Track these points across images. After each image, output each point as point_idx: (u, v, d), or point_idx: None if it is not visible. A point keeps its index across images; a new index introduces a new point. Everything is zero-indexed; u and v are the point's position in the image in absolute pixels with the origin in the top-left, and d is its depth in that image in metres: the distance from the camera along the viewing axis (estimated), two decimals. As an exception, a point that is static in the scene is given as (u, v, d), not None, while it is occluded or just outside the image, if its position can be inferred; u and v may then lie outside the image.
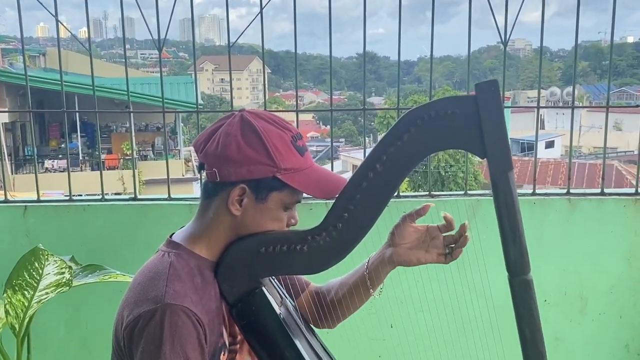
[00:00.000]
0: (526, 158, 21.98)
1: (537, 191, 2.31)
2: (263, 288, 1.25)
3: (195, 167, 16.73)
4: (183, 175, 17.59)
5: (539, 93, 2.36)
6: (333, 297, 1.43)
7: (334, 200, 1.23)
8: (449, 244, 1.34)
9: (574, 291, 2.34)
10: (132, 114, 2.38)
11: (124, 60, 2.41)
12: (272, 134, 1.20)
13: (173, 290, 1.14)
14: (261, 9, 2.12)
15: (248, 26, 2.14)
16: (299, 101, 2.28)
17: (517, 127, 26.36)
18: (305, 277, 1.50)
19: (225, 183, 1.20)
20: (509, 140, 1.22)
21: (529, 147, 26.23)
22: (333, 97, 2.34)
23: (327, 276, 1.38)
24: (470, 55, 2.34)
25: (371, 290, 1.39)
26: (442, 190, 11.06)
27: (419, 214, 1.33)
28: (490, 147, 1.16)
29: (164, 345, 1.09)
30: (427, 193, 2.33)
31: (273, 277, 1.38)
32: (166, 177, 2.36)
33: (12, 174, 15.73)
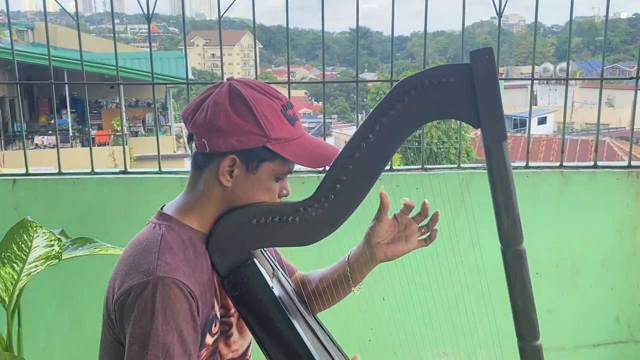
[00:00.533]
0: (518, 134, 22.02)
1: (530, 164, 2.30)
2: (255, 260, 1.23)
3: (186, 143, 16.68)
4: (174, 152, 17.51)
5: (533, 63, 2.34)
6: (314, 289, 1.42)
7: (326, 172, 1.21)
8: (421, 224, 1.35)
9: (565, 264, 2.35)
10: (121, 86, 2.34)
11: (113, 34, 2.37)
12: (262, 103, 1.17)
13: (165, 262, 1.12)
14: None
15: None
16: (291, 77, 2.25)
17: (510, 103, 26.33)
18: (292, 264, 1.50)
19: (215, 154, 1.18)
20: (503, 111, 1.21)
21: (521, 124, 26.24)
22: (325, 73, 2.31)
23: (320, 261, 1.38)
24: (464, 30, 2.31)
25: (352, 287, 1.39)
26: (435, 166, 11.05)
27: (385, 207, 1.32)
28: (485, 116, 1.14)
29: (156, 318, 1.08)
30: (420, 167, 2.32)
31: (265, 249, 1.37)
32: (153, 153, 2.33)
33: (2, 150, 15.60)
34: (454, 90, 1.14)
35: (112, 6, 2.27)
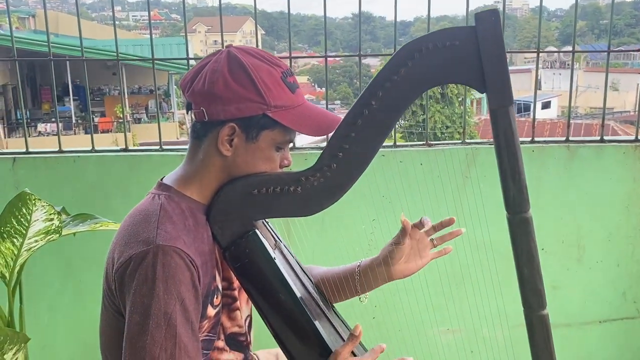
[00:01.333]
0: (522, 118, 21.93)
1: (536, 139, 2.27)
2: (256, 231, 1.21)
3: (188, 130, 16.69)
4: (177, 139, 17.50)
5: (540, 18, 2.30)
6: (315, 284, 1.41)
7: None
8: (431, 236, 1.37)
9: (571, 239, 2.32)
10: (122, 67, 2.31)
11: (117, 22, 2.34)
12: (261, 70, 1.15)
13: (164, 231, 1.10)
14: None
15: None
16: (293, 62, 2.22)
17: (514, 87, 26.05)
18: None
19: (214, 122, 1.15)
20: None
21: (525, 108, 26.12)
22: (328, 59, 2.28)
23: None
24: (468, 15, 2.27)
25: (358, 293, 1.40)
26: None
27: (405, 232, 1.32)
28: (490, 80, 1.11)
29: (157, 286, 1.06)
30: (424, 142, 2.29)
31: (267, 220, 1.35)
32: (154, 139, 2.32)
33: (5, 137, 15.61)
34: (458, 54, 1.12)
35: (111, -18, 2.24)
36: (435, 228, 1.36)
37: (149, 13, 2.30)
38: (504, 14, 2.28)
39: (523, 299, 1.19)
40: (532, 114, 2.51)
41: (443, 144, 2.35)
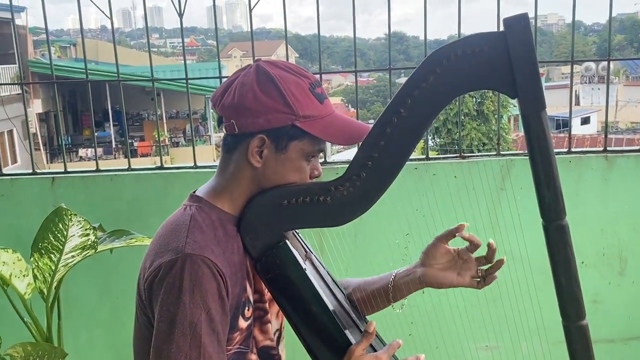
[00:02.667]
0: (562, 134, 21.58)
1: (573, 149, 2.22)
2: (287, 241, 1.21)
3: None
4: (214, 161, 17.71)
5: (573, 26, 2.26)
6: (348, 295, 1.39)
7: None
8: (481, 266, 1.32)
9: (612, 252, 2.25)
10: (160, 92, 2.36)
11: (153, 48, 2.40)
12: (289, 81, 1.16)
13: (193, 240, 1.11)
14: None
15: (258, 2, 2.08)
16: (327, 84, 2.23)
17: (552, 103, 25.85)
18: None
19: (244, 134, 1.16)
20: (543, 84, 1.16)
21: (563, 124, 25.73)
22: (362, 79, 2.29)
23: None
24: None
25: (391, 303, 1.38)
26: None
27: (453, 234, 1.31)
28: (522, 85, 1.09)
29: (184, 295, 1.06)
30: (458, 155, 2.26)
31: (297, 232, 1.35)
32: (201, 162, 2.35)
33: (47, 163, 16.04)
34: (488, 60, 1.10)
35: (146, 17, 2.30)
36: (486, 259, 1.32)
37: (182, 36, 2.35)
38: (536, 29, 2.26)
39: (561, 309, 1.16)
40: (569, 124, 2.46)
41: (477, 156, 2.32)
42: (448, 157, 2.25)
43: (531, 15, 2.20)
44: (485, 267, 1.33)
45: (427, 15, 2.22)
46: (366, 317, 1.40)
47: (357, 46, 2.26)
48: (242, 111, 1.15)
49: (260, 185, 1.20)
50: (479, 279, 1.33)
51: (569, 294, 1.15)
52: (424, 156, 2.24)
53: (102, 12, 2.00)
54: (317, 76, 2.16)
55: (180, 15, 2.12)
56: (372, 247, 2.15)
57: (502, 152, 2.25)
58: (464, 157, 2.24)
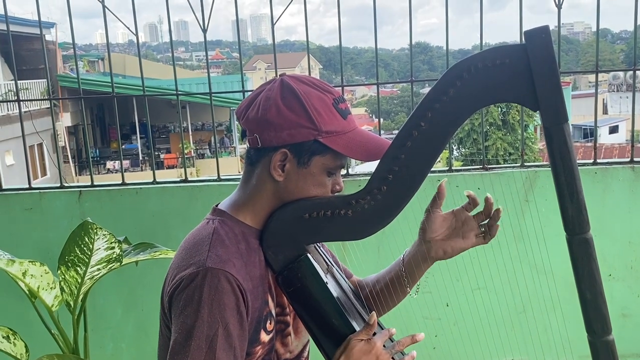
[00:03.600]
0: (589, 144, 21.29)
1: (599, 160, 2.19)
2: (308, 255, 1.21)
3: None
4: (239, 172, 17.83)
5: (597, 39, 2.24)
6: (368, 294, 1.38)
7: None
8: (482, 222, 1.29)
9: (641, 265, 2.21)
10: (186, 105, 2.39)
11: (179, 61, 2.44)
12: (313, 97, 1.16)
13: (215, 254, 1.12)
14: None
15: (281, 15, 2.10)
16: (351, 95, 2.24)
17: (579, 112, 25.49)
18: (348, 268, 1.48)
19: (267, 148, 1.17)
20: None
21: (591, 133, 25.37)
22: (385, 90, 2.30)
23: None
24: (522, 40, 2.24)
25: (407, 288, 1.35)
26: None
27: (441, 197, 1.28)
28: (543, 98, 1.09)
29: (202, 308, 1.07)
30: (481, 166, 2.25)
31: (319, 244, 1.35)
32: (226, 174, 2.38)
33: (76, 175, 16.30)
34: (509, 72, 1.10)
35: (171, 32, 2.34)
36: (484, 214, 1.29)
37: (206, 51, 2.38)
38: (560, 37, 2.25)
39: (586, 323, 1.14)
40: (594, 134, 2.43)
41: (501, 167, 2.30)
42: (471, 169, 2.24)
43: (556, 24, 2.19)
44: (485, 222, 1.29)
45: (451, 26, 2.23)
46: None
47: (380, 57, 2.27)
48: (266, 125, 1.16)
49: (282, 199, 1.21)
50: (483, 234, 1.29)
51: (594, 308, 1.13)
52: (447, 167, 2.23)
53: (128, 28, 2.04)
54: (341, 90, 2.18)
55: (204, 30, 2.15)
56: (395, 259, 2.15)
57: (526, 164, 2.23)
58: (487, 169, 2.22)
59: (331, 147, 1.16)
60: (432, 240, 1.29)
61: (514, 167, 2.27)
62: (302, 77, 1.22)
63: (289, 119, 1.15)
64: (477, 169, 2.24)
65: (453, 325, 2.17)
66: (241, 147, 20.03)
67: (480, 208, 1.29)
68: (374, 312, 1.20)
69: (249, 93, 1.25)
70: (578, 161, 2.14)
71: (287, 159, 1.17)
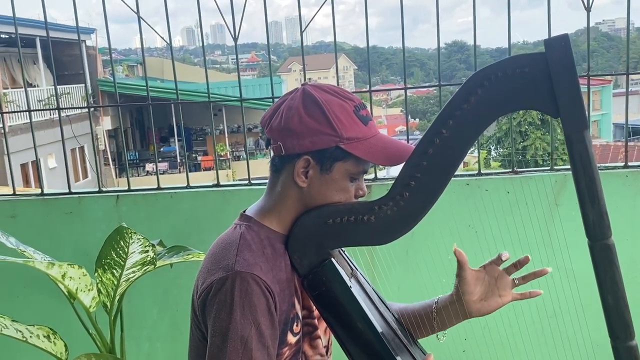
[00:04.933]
0: (631, 143, 20.78)
1: (630, 163, 2.16)
2: (332, 259, 1.25)
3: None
4: (273, 174, 17.89)
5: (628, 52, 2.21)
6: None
7: None
8: (513, 274, 1.32)
9: (675, 269, 2.17)
10: (222, 107, 2.44)
11: (215, 64, 2.50)
12: (334, 104, 1.20)
13: (243, 259, 1.16)
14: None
15: (313, 17, 2.13)
16: (386, 96, 2.27)
17: (622, 110, 24.92)
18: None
19: (290, 156, 1.21)
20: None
21: (634, 132, 24.78)
22: (422, 89, 2.32)
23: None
24: (572, 34, 2.23)
25: (435, 330, 1.38)
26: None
27: (462, 262, 1.30)
28: (563, 105, 1.10)
29: (235, 311, 1.11)
30: (511, 170, 2.24)
31: (343, 249, 1.38)
32: (258, 175, 2.43)
33: (116, 177, 16.66)
34: (529, 80, 1.11)
35: (202, 34, 2.40)
36: (515, 266, 1.32)
37: (237, 60, 2.43)
38: (587, 39, 2.23)
39: (609, 328, 1.15)
40: (624, 137, 2.40)
41: (530, 171, 2.29)
42: (500, 173, 2.24)
43: (599, 19, 2.16)
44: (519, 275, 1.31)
45: (490, 23, 2.25)
46: (413, 335, 1.41)
47: (416, 56, 2.31)
48: (289, 134, 1.20)
49: (306, 205, 1.24)
50: (518, 286, 1.32)
51: (617, 314, 1.14)
52: (477, 172, 2.23)
53: (162, 38, 2.10)
54: (367, 93, 2.20)
55: (235, 39, 2.20)
56: (424, 263, 2.15)
57: (556, 167, 2.21)
58: (517, 172, 2.22)
59: (352, 153, 1.19)
60: (470, 301, 1.32)
61: (544, 170, 2.26)
62: (324, 85, 1.25)
63: (310, 126, 1.18)
64: (507, 172, 2.23)
65: (482, 328, 2.17)
66: (276, 149, 20.12)
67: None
68: (430, 354, 1.22)
69: (274, 102, 1.29)
70: (608, 164, 2.12)
71: (310, 166, 1.21)
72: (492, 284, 1.32)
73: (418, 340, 1.42)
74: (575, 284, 1.91)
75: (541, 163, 18.64)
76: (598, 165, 2.18)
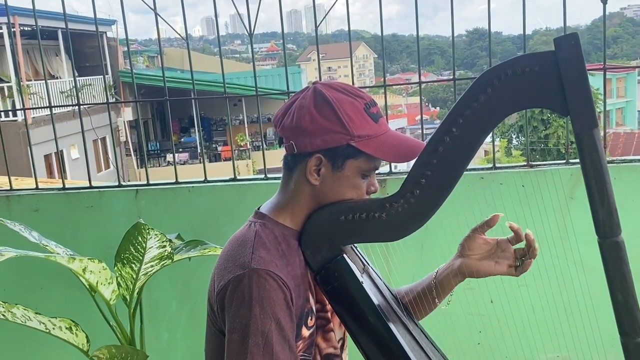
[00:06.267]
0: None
1: (649, 156, 2.15)
2: (344, 255, 1.27)
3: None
4: (294, 164, 17.91)
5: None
6: (405, 306, 1.43)
7: None
8: (521, 256, 1.32)
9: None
10: (242, 98, 2.47)
11: (235, 54, 2.52)
12: (344, 103, 1.21)
13: (258, 256, 1.19)
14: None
15: (333, 5, 2.14)
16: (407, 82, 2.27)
17: (645, 97, 24.49)
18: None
19: (303, 154, 1.23)
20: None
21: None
22: (443, 77, 2.32)
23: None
24: (591, 24, 2.21)
25: (437, 300, 1.40)
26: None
27: (489, 225, 1.32)
28: (573, 103, 1.11)
29: (254, 307, 1.13)
30: (525, 163, 2.24)
31: (356, 247, 1.40)
32: (278, 166, 2.45)
33: (138, 168, 16.83)
34: (539, 79, 1.12)
35: (218, 26, 2.42)
36: (525, 250, 1.32)
37: (252, 54, 2.45)
38: (603, 31, 2.20)
39: (618, 325, 1.16)
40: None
41: (545, 164, 2.28)
42: (516, 166, 2.24)
43: (623, 4, 2.14)
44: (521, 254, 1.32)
45: (512, 10, 2.25)
46: (426, 332, 1.43)
47: (437, 44, 2.31)
48: (300, 132, 1.22)
49: (319, 202, 1.26)
50: (517, 266, 1.32)
51: (626, 310, 1.15)
52: (491, 165, 2.23)
53: (179, 34, 2.13)
54: (380, 91, 2.21)
55: (250, 35, 2.22)
56: (438, 257, 2.16)
57: (571, 161, 2.21)
58: (531, 166, 2.21)
59: (364, 151, 1.21)
60: (467, 257, 1.34)
61: (559, 164, 2.25)
62: (334, 83, 1.27)
63: (321, 125, 1.20)
64: (522, 166, 2.23)
65: (497, 321, 2.18)
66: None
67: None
68: None
69: (286, 101, 1.31)
70: (626, 157, 2.10)
71: (321, 164, 1.23)
72: (495, 253, 1.34)
73: (425, 315, 1.44)
74: (591, 276, 1.90)
75: (563, 152, 18.44)
76: (622, 158, 2.17)
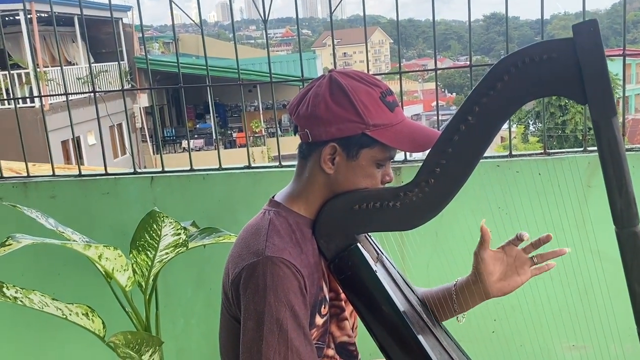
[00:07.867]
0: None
1: (670, 145, 2.11)
2: (358, 244, 1.27)
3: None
4: (309, 150, 17.92)
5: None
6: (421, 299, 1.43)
7: None
8: (531, 253, 1.33)
9: None
10: (257, 84, 2.46)
11: (250, 40, 2.51)
12: (360, 91, 1.20)
13: (272, 244, 1.19)
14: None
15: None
16: (423, 68, 2.25)
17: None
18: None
19: (317, 143, 1.23)
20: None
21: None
22: (459, 62, 2.30)
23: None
24: (610, 8, 2.17)
25: (455, 313, 1.40)
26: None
27: (486, 239, 1.32)
28: (591, 92, 1.09)
29: (269, 294, 1.14)
30: (542, 151, 2.21)
31: (370, 236, 1.40)
32: (292, 152, 2.45)
33: (154, 154, 16.93)
34: (556, 67, 1.10)
35: (232, 14, 2.40)
36: (534, 245, 1.32)
37: (267, 43, 2.43)
38: (623, 14, 2.16)
39: (635, 315, 1.15)
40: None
41: (562, 152, 2.25)
42: (532, 154, 2.21)
43: None
44: (536, 253, 1.33)
45: None
46: (445, 327, 1.43)
47: (453, 29, 2.29)
48: (315, 121, 1.21)
49: (333, 191, 1.26)
50: (537, 264, 1.33)
51: (644, 302, 1.13)
52: (507, 153, 2.21)
53: (193, 21, 2.12)
54: (398, 76, 2.19)
55: (265, 21, 2.21)
56: (453, 245, 2.15)
57: (589, 148, 2.18)
58: (549, 154, 2.19)
59: (379, 140, 1.20)
60: (490, 282, 1.33)
61: (576, 151, 2.22)
62: (350, 72, 1.25)
63: (337, 114, 1.19)
64: (539, 153, 2.21)
65: (512, 309, 2.17)
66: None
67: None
68: None
69: (301, 89, 1.30)
70: (645, 145, 2.06)
71: (336, 153, 1.22)
72: (511, 263, 1.33)
73: (442, 323, 1.43)
74: (608, 265, 1.89)
75: (580, 138, 18.23)
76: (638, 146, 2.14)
